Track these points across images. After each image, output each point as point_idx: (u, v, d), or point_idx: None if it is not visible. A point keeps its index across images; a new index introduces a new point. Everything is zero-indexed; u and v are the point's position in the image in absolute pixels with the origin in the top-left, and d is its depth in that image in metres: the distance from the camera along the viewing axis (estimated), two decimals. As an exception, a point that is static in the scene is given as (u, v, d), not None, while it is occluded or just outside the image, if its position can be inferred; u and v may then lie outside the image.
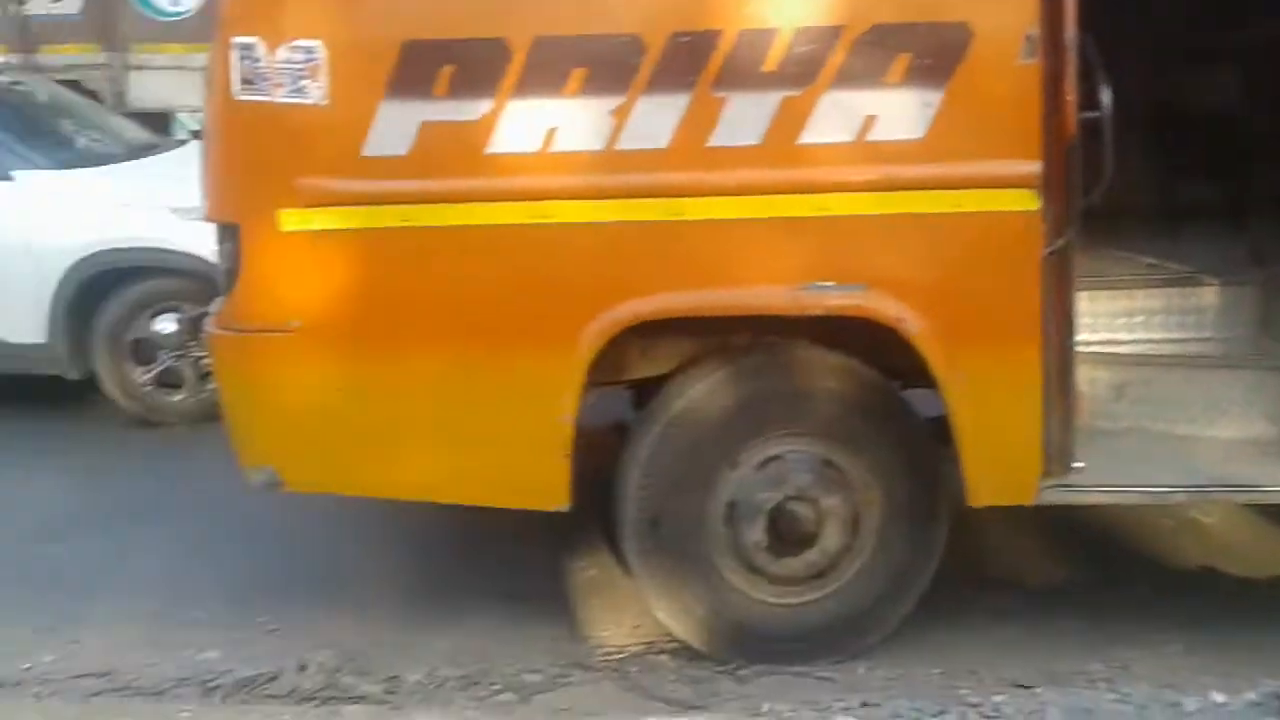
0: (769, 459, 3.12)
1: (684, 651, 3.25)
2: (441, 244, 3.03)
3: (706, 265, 2.99)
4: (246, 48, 2.99)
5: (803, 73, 2.87)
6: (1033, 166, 2.84)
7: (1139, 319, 3.63)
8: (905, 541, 3.18)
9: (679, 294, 3.00)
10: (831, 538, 3.13)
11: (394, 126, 2.95)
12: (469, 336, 3.05)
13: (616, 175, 2.95)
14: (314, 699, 3.04)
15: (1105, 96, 2.91)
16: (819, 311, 2.96)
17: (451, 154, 2.98)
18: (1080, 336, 3.15)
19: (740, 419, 3.11)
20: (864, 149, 2.89)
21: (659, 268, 2.99)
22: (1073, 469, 3.04)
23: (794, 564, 3.16)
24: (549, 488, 3.09)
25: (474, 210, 3.00)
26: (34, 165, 5.18)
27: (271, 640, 3.42)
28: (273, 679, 3.15)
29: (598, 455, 3.28)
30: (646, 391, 3.28)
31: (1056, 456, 3.02)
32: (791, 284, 2.94)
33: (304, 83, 2.98)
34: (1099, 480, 3.09)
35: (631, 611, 3.49)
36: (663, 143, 2.91)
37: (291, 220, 3.02)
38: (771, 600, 3.20)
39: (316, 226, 3.02)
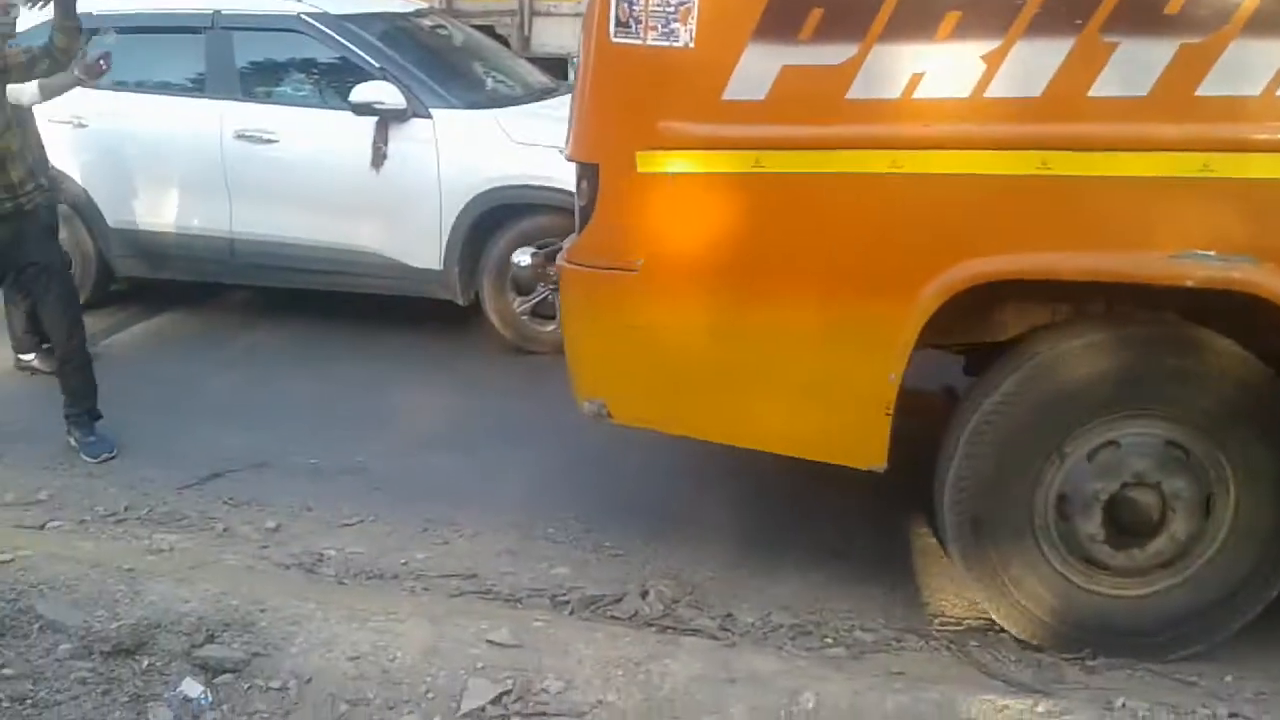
0: (1109, 443, 2.90)
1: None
2: (789, 191, 2.97)
3: (1063, 226, 2.75)
4: None
5: (1210, 16, 2.56)
6: None
7: None
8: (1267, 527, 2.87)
9: (1034, 255, 2.79)
10: (1179, 525, 2.90)
11: (756, 70, 2.89)
12: (807, 286, 2.98)
13: (980, 125, 2.77)
14: (653, 625, 3.16)
15: None
16: (1194, 283, 2.66)
17: (808, 99, 2.89)
18: None
19: (1089, 397, 2.88)
20: (1275, 103, 2.54)
21: (1014, 225, 2.80)
22: None
23: (1138, 555, 2.95)
24: (868, 445, 3.00)
25: (826, 158, 2.90)
26: (449, 104, 5.57)
27: (616, 564, 3.57)
28: (616, 601, 3.31)
29: (927, 417, 3.14)
30: (979, 358, 3.11)
31: None
32: (1166, 250, 2.67)
33: (675, 25, 2.97)
34: None
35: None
36: (1037, 91, 2.70)
37: (648, 162, 3.05)
38: (1110, 592, 3.01)
39: (671, 169, 3.03)
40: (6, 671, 2.61)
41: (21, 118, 4.68)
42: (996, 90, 2.72)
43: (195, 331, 5.92)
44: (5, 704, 2.49)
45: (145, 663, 2.70)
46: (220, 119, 5.72)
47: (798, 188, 2.95)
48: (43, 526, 3.78)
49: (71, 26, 4.16)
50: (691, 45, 2.95)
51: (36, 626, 2.84)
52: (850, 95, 2.83)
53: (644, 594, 3.32)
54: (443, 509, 3.93)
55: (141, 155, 5.86)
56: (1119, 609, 3.03)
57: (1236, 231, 2.64)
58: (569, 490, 4.08)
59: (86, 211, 5.91)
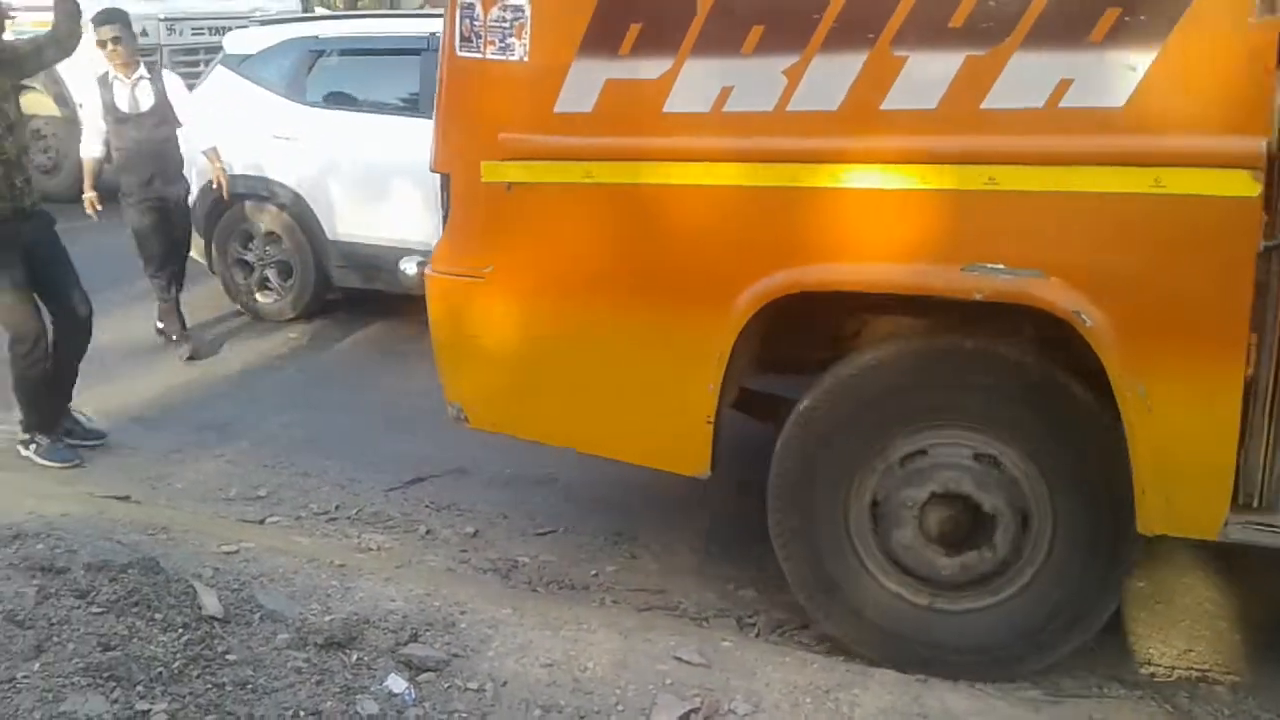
0: (916, 453, 2.93)
1: (1243, 685, 2.91)
2: (616, 201, 3.04)
3: (864, 238, 2.77)
4: (467, 6, 3.12)
5: (993, 29, 2.57)
6: (1254, 144, 2.36)
7: None
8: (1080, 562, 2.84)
9: (832, 267, 2.81)
10: (997, 537, 2.88)
11: (583, 83, 2.97)
12: (635, 297, 3.05)
13: (784, 139, 2.79)
14: (841, 654, 3.11)
15: None
16: (983, 296, 2.65)
17: (630, 112, 2.96)
18: None
19: (890, 409, 2.93)
20: (1055, 116, 2.54)
21: (815, 238, 2.81)
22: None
23: (955, 567, 2.95)
24: (693, 453, 3.06)
25: (647, 169, 2.98)
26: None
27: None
28: (803, 627, 3.29)
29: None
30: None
31: (1260, 490, 2.59)
32: (958, 263, 2.66)
33: (511, 40, 3.07)
34: None
35: (1184, 633, 3.20)
36: (834, 105, 2.73)
37: (491, 172, 3.14)
38: (937, 606, 3.02)
39: (511, 179, 3.12)
40: (230, 657, 2.78)
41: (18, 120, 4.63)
42: (798, 104, 2.76)
43: (403, 340, 6.21)
44: (229, 688, 2.66)
45: (355, 656, 2.84)
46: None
47: (624, 198, 3.03)
48: (263, 521, 4.03)
49: (71, 10, 4.43)
50: (526, 59, 3.06)
51: (258, 616, 3.02)
52: (667, 108, 2.90)
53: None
54: (631, 523, 3.99)
55: (358, 171, 6.17)
56: (946, 626, 3.00)
57: (1024, 245, 2.62)
58: (757, 514, 4.06)
59: (306, 224, 6.27)
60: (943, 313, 2.84)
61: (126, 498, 4.12)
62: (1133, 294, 2.57)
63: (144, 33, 9.89)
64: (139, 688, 2.60)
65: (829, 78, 2.73)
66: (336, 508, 4.15)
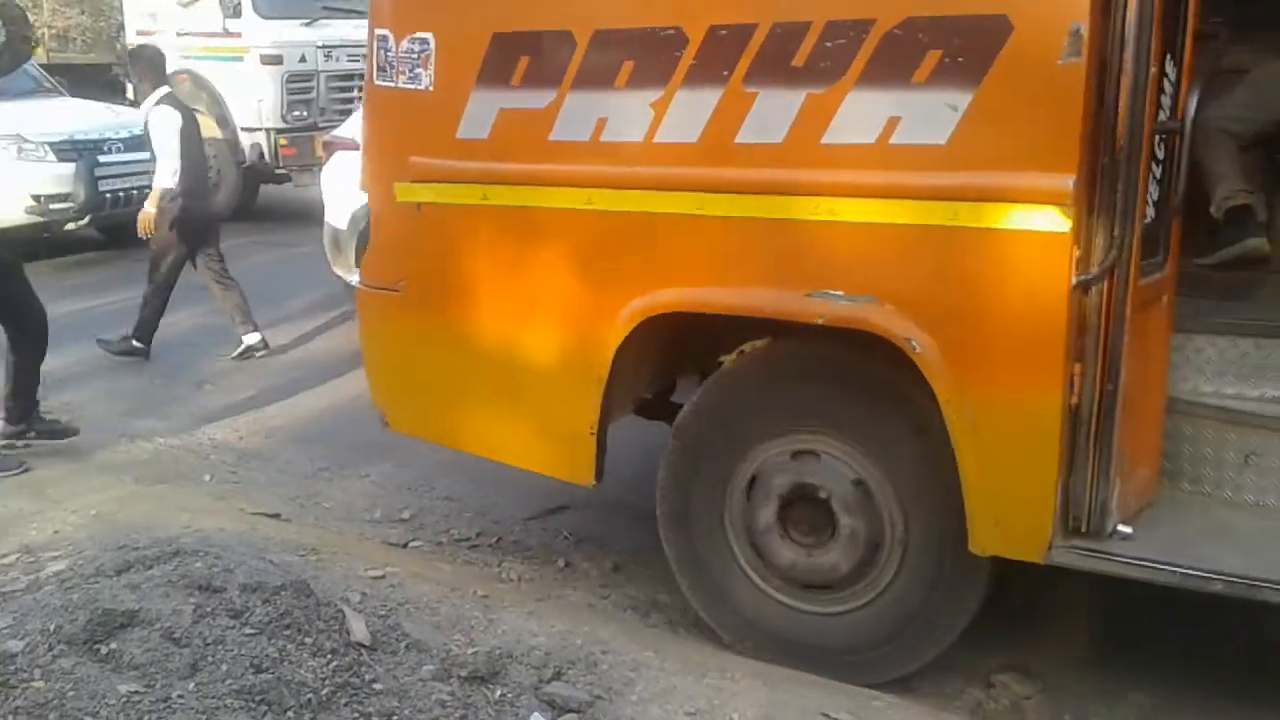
0: (786, 455, 3.09)
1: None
2: (509, 223, 3.28)
3: (723, 263, 2.95)
4: (382, 39, 3.41)
5: (830, 70, 2.73)
6: (1063, 181, 2.49)
7: None
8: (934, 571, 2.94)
9: (695, 290, 3.00)
10: (850, 538, 3.02)
11: (480, 111, 3.23)
12: (525, 312, 3.27)
13: (651, 168, 3.00)
14: None
15: (1191, 104, 2.54)
16: (822, 320, 2.83)
17: (520, 139, 3.20)
18: (1210, 390, 2.84)
19: (752, 417, 3.12)
20: (884, 152, 2.69)
21: (681, 262, 3.00)
22: (1114, 533, 2.69)
23: (814, 565, 3.09)
24: (579, 463, 3.26)
25: (535, 193, 3.21)
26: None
27: (956, 651, 3.40)
28: (959, 691, 3.17)
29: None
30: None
31: (1084, 516, 2.68)
32: (804, 289, 2.84)
33: (419, 70, 3.34)
34: (1139, 552, 2.66)
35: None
36: (694, 137, 2.91)
37: (403, 193, 3.41)
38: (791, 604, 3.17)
39: (419, 199, 3.39)
40: (377, 686, 2.79)
41: None
42: (663, 136, 2.96)
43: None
44: (374, 718, 2.66)
45: (498, 692, 2.81)
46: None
47: (516, 220, 3.27)
48: (406, 545, 4.07)
49: (19, 15, 4.49)
50: (431, 88, 3.34)
51: (403, 645, 3.03)
52: (552, 137, 3.13)
53: (989, 685, 3.15)
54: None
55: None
56: (811, 627, 3.15)
57: (861, 273, 2.76)
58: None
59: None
60: (806, 330, 2.95)
61: (277, 515, 4.21)
62: (958, 322, 2.68)
63: (302, 59, 10.29)
64: (289, 713, 2.62)
65: (689, 112, 2.93)
66: (478, 535, 4.17)
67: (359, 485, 4.67)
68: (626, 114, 3.02)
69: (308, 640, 2.91)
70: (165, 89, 6.38)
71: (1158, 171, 2.75)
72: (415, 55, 3.38)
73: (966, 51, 2.58)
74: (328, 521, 4.23)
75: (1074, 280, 2.56)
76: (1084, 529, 2.71)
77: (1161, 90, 2.65)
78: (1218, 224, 3.17)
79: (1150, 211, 2.72)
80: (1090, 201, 2.55)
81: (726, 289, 2.98)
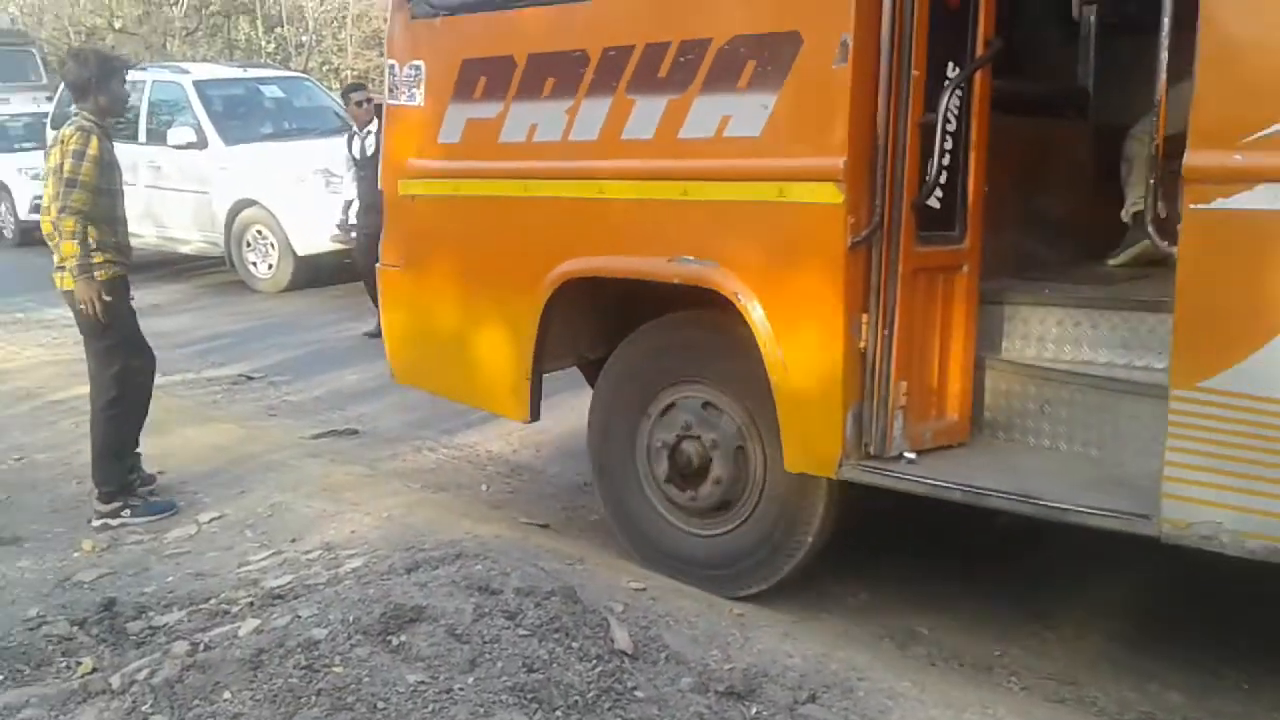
0: (670, 405, 3.77)
1: None
2: (469, 208, 4.10)
3: (615, 236, 3.64)
4: (391, 67, 4.30)
5: (683, 79, 3.38)
6: (836, 162, 3.07)
7: (1085, 340, 3.30)
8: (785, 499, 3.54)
9: (596, 258, 3.70)
10: (718, 470, 3.66)
11: (454, 120, 4.06)
12: (484, 280, 4.07)
13: (566, 161, 3.74)
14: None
15: (944, 100, 3.08)
16: (679, 280, 3.47)
17: (479, 142, 3.99)
18: (1023, 351, 3.36)
19: (648, 371, 3.84)
20: (720, 144, 3.33)
21: (586, 236, 3.71)
22: (900, 458, 3.24)
23: (695, 496, 3.75)
24: (519, 403, 4.02)
25: (488, 185, 4.02)
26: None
27: (1241, 697, 3.19)
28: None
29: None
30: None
31: (870, 440, 3.23)
32: (667, 255, 3.48)
33: (414, 90, 4.19)
34: (912, 472, 3.19)
35: None
36: (594, 135, 3.63)
37: (404, 188, 4.28)
38: (691, 530, 3.81)
39: (412, 193, 4.26)
40: (639, 694, 2.90)
41: None
42: (574, 135, 3.68)
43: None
44: (639, 725, 2.78)
45: (754, 710, 2.87)
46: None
47: (477, 206, 4.08)
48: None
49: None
50: (422, 104, 4.18)
51: (663, 656, 3.13)
52: (500, 139, 3.91)
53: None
54: (1040, 600, 3.77)
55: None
56: (697, 546, 3.79)
57: (705, 241, 3.40)
58: (1186, 606, 3.69)
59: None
60: (689, 294, 3.54)
61: (546, 525, 4.43)
62: (772, 279, 3.29)
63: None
64: (557, 713, 2.78)
65: (591, 116, 3.65)
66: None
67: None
68: (550, 119, 3.76)
69: (575, 644, 3.07)
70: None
71: (945, 159, 3.21)
72: (412, 78, 4.23)
73: (772, 61, 3.21)
74: (593, 534, 4.41)
75: (847, 243, 3.12)
76: (871, 452, 3.26)
77: (949, 91, 3.14)
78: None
79: (935, 191, 3.21)
80: (859, 179, 3.10)
81: (615, 257, 3.69)
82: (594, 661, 3.02)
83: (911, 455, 3.27)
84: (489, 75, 3.93)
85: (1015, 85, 3.63)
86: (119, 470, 4.58)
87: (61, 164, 4.31)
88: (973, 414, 3.42)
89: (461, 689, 2.85)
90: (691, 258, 3.44)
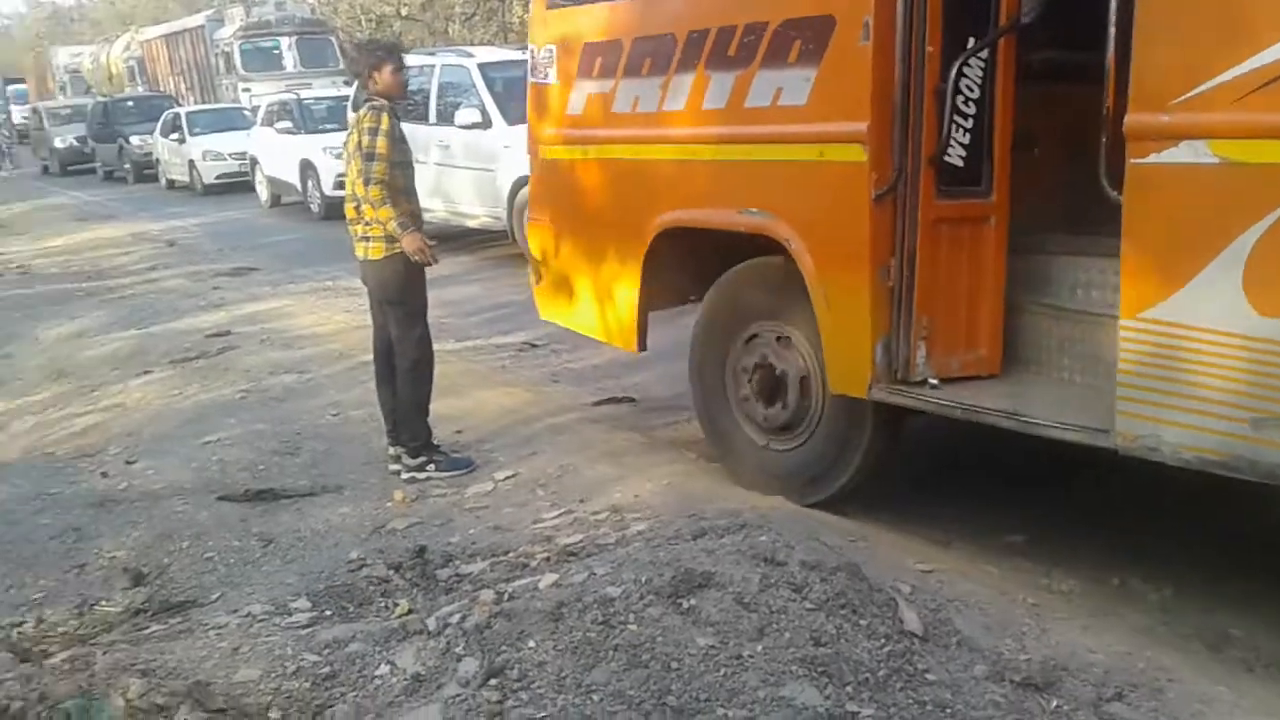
0: (754, 335, 4.33)
1: None
2: (590, 169, 4.85)
3: (697, 192, 4.27)
4: (530, 51, 5.18)
5: (746, 57, 3.99)
6: (860, 126, 3.61)
7: (1111, 286, 3.40)
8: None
9: (683, 211, 4.34)
10: (789, 395, 4.22)
11: (578, 96, 4.80)
12: (607, 228, 4.76)
13: (661, 129, 4.38)
14: None
15: (953, 71, 3.51)
16: (745, 229, 4.10)
17: (596, 113, 4.70)
18: (1059, 296, 3.72)
19: (738, 307, 4.41)
20: (775, 112, 3.92)
21: (679, 192, 4.35)
22: (925, 383, 3.73)
23: (771, 415, 4.30)
24: (628, 336, 4.73)
25: (604, 149, 4.73)
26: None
27: None
28: None
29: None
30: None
31: (897, 367, 3.73)
32: (737, 208, 4.11)
33: (549, 70, 4.96)
34: (932, 395, 3.70)
35: None
36: (681, 105, 4.25)
37: (544, 153, 5.13)
38: (770, 446, 4.36)
39: (549, 157, 5.09)
40: (930, 676, 2.86)
41: None
42: (666, 106, 4.32)
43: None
44: (930, 708, 2.74)
45: (1054, 703, 2.78)
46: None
47: (595, 168, 4.82)
48: (949, 544, 4.09)
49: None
50: (556, 82, 4.94)
51: (954, 640, 3.08)
52: (612, 110, 4.61)
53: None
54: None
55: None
56: (769, 459, 4.35)
57: (765, 196, 4.01)
58: None
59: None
60: (761, 242, 4.10)
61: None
62: (816, 228, 3.84)
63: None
64: (848, 688, 2.78)
65: (678, 89, 4.27)
66: (1025, 540, 4.08)
67: (896, 480, 4.75)
68: (648, 92, 4.41)
69: (862, 622, 3.06)
70: None
71: (969, 123, 3.63)
72: (547, 60, 4.97)
73: (814, 40, 3.74)
74: (871, 511, 4.36)
75: (871, 196, 3.61)
76: (899, 378, 3.74)
77: (965, 64, 3.54)
78: None
79: (956, 149, 3.63)
80: (880, 141, 3.59)
81: (698, 210, 4.32)
82: (882, 640, 3.00)
83: (934, 381, 3.72)
84: (603, 56, 4.65)
85: (1064, 55, 3.87)
86: (424, 426, 4.92)
87: (360, 141, 4.68)
88: (1008, 350, 3.84)
89: (751, 656, 2.90)
90: (755, 210, 4.03)
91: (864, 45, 3.56)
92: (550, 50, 4.95)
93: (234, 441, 5.46)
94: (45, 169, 28.50)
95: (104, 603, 3.88)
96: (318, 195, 14.96)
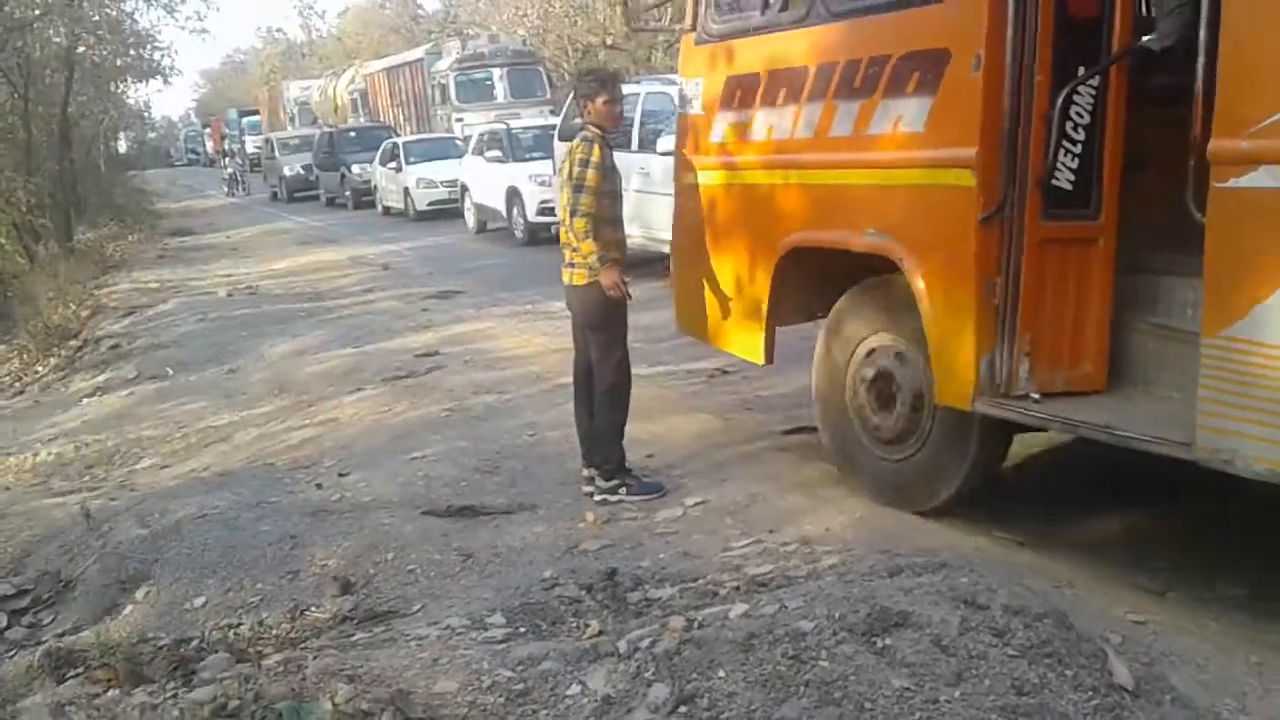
0: (872, 350, 4.57)
1: None
2: (728, 193, 5.18)
3: (823, 214, 4.60)
4: (681, 83, 5.59)
5: (869, 88, 4.24)
6: (969, 151, 3.81)
7: None
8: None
9: (810, 232, 4.68)
10: (901, 405, 4.43)
11: (719, 125, 5.14)
12: (736, 249, 5.09)
13: (791, 154, 4.72)
14: None
15: (1059, 99, 3.66)
16: (864, 249, 4.33)
17: (736, 141, 5.05)
18: (1167, 314, 3.78)
19: (858, 322, 4.66)
20: (894, 138, 4.14)
21: (807, 215, 4.69)
22: (1026, 397, 3.87)
23: (886, 423, 4.53)
24: (758, 348, 5.04)
25: (740, 174, 5.08)
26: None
27: None
28: None
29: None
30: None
31: (1001, 381, 3.90)
32: (858, 230, 4.35)
33: (697, 102, 5.32)
34: (1033, 409, 3.85)
35: None
36: (810, 133, 4.57)
37: (686, 179, 5.48)
38: (886, 457, 4.58)
39: (692, 182, 5.40)
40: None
41: None
42: (798, 134, 4.65)
43: None
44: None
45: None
46: None
47: (733, 191, 5.15)
48: (1164, 594, 3.85)
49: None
50: (701, 113, 5.29)
51: (1168, 698, 2.90)
52: (749, 138, 4.96)
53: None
54: None
55: None
56: (882, 467, 4.61)
57: (884, 218, 4.26)
58: None
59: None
60: (881, 261, 4.29)
61: (1023, 543, 4.24)
62: (927, 249, 4.07)
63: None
64: (1056, 740, 2.65)
65: (809, 118, 4.54)
66: (1247, 595, 3.80)
67: (1109, 525, 4.52)
68: (782, 121, 4.70)
69: (1068, 673, 2.92)
70: None
71: (1079, 149, 3.78)
72: (695, 92, 5.33)
73: (931, 71, 3.95)
74: (1076, 555, 4.15)
75: (979, 218, 3.81)
76: (1001, 392, 3.90)
77: (1075, 91, 3.72)
78: None
79: (1065, 174, 3.78)
80: (989, 166, 3.78)
81: (824, 231, 4.58)
82: (1090, 693, 2.85)
83: (1036, 396, 3.87)
84: (743, 88, 4.96)
85: (1180, 78, 3.71)
86: (619, 450, 5.00)
87: (571, 172, 4.81)
88: (1117, 367, 3.93)
89: (948, 701, 2.80)
90: (873, 231, 4.25)
91: (975, 75, 3.76)
92: (697, 84, 5.29)
93: (438, 458, 5.68)
94: (274, 195, 30.49)
95: (314, 609, 4.10)
96: (521, 221, 15.43)
